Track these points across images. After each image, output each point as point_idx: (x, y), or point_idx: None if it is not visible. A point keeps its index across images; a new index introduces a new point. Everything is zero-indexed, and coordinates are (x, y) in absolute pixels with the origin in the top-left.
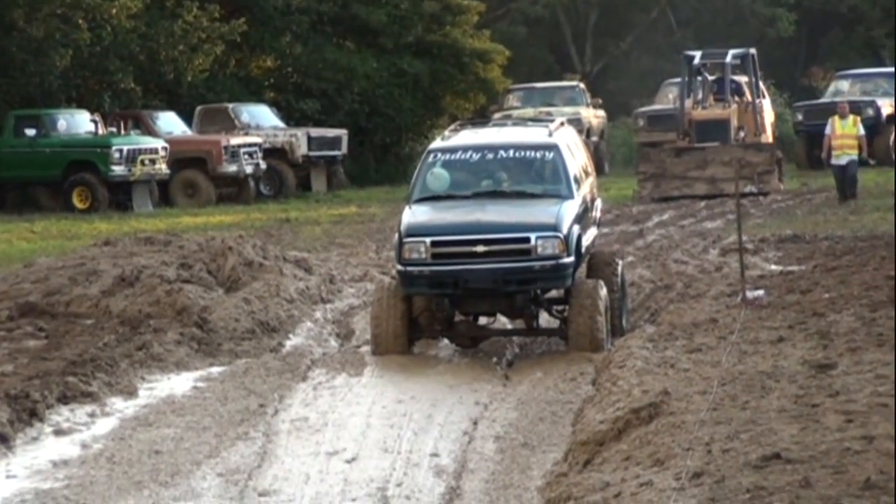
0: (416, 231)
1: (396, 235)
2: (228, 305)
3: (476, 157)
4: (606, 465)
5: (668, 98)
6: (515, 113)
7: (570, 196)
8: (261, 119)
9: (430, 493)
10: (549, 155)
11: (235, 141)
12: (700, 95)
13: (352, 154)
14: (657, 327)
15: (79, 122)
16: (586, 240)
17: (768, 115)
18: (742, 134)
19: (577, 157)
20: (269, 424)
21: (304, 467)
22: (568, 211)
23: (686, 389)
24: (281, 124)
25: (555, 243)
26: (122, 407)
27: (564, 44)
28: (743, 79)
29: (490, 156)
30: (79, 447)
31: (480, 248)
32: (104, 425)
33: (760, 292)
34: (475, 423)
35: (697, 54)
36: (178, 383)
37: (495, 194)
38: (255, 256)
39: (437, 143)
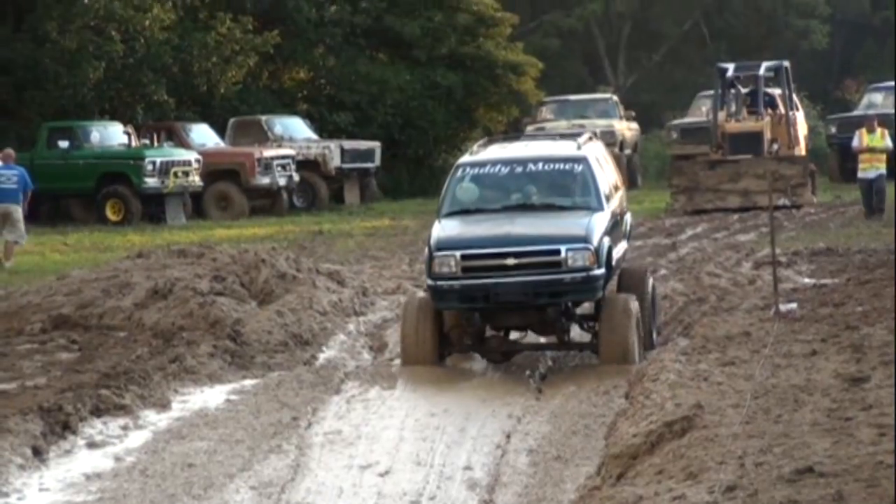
0: (446, 245)
1: (427, 250)
2: (261, 318)
3: (505, 170)
4: (640, 479)
5: (701, 111)
6: (549, 125)
7: (600, 208)
8: (294, 131)
9: None
10: (578, 167)
11: (268, 153)
12: (733, 108)
13: (385, 166)
14: (690, 340)
15: (112, 135)
16: (616, 253)
17: (801, 128)
18: (775, 146)
19: (606, 171)
20: (302, 437)
21: (338, 480)
22: (598, 223)
23: (719, 403)
24: (314, 136)
25: (585, 255)
26: (155, 420)
27: (598, 56)
28: (776, 91)
29: (519, 169)
30: (112, 460)
31: (511, 261)
32: (137, 438)
33: (793, 305)
34: (508, 437)
35: (731, 67)
36: (212, 396)
37: (525, 207)
38: (289, 269)
39: (465, 158)
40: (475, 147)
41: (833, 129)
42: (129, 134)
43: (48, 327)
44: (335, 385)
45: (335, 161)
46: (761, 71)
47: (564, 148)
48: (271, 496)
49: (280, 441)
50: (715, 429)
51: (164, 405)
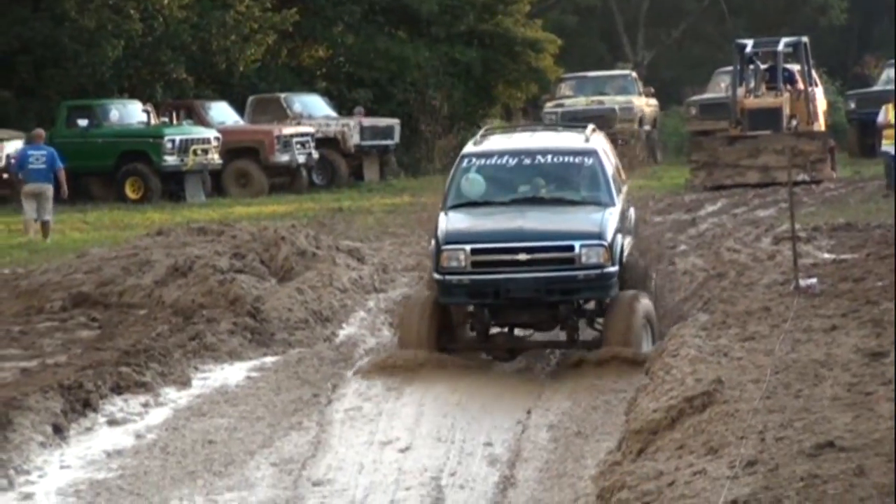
0: (456, 238)
1: (433, 242)
2: (281, 295)
3: (512, 162)
4: (660, 454)
5: (720, 86)
6: (567, 102)
7: (612, 203)
8: (313, 109)
9: (483, 482)
10: (589, 161)
11: (288, 131)
12: (752, 84)
13: (404, 143)
14: (710, 316)
15: (131, 113)
16: (625, 249)
17: (821, 104)
18: (794, 122)
19: (612, 164)
20: (322, 414)
21: (358, 457)
22: (611, 218)
23: (739, 378)
24: (333, 114)
25: (599, 252)
26: (175, 397)
27: (616, 32)
28: (795, 67)
29: (527, 161)
30: (132, 437)
31: (522, 257)
32: (158, 415)
33: (813, 281)
34: (529, 413)
35: (749, 43)
36: (232, 373)
37: (534, 201)
38: (308, 246)
39: (470, 148)
40: (477, 136)
41: (852, 105)
42: (148, 112)
43: (68, 305)
44: (355, 362)
45: (354, 138)
46: (780, 47)
47: (572, 140)
48: (292, 473)
49: (300, 418)
50: (735, 404)
51: (184, 382)
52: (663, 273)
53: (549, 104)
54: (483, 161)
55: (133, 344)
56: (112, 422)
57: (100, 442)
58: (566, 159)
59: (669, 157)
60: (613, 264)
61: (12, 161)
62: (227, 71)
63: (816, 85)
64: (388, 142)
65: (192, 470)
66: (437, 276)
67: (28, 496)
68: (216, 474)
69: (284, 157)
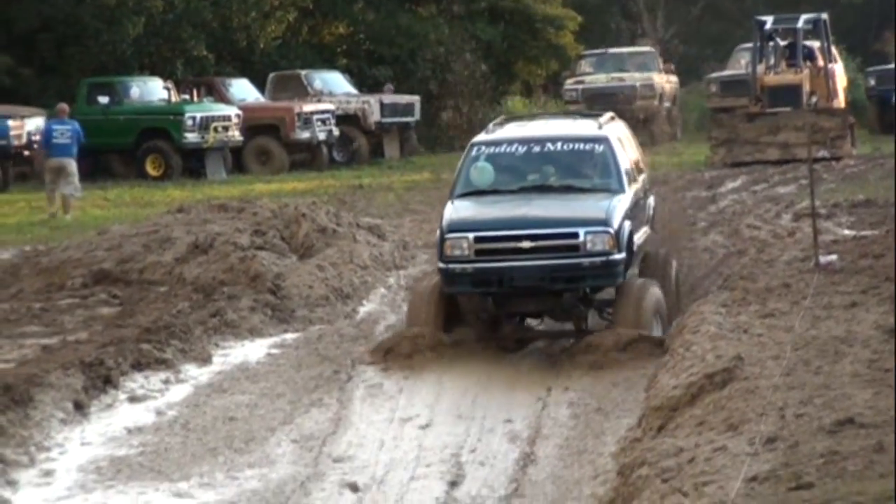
0: (459, 227)
1: (438, 231)
2: (302, 272)
3: (522, 150)
4: (680, 431)
5: (740, 63)
6: (588, 79)
7: (621, 190)
8: (333, 86)
9: (504, 458)
10: (599, 148)
11: (308, 108)
12: (772, 61)
13: (424, 120)
14: (730, 293)
15: (152, 90)
16: (638, 238)
17: (840, 81)
18: (814, 99)
19: (628, 152)
20: (343, 391)
21: (379, 433)
22: (619, 205)
23: (759, 354)
24: (354, 91)
25: (605, 239)
26: (196, 374)
27: (637, 9)
28: (815, 44)
29: (536, 149)
30: (153, 414)
31: (526, 244)
32: (178, 392)
33: (833, 257)
34: (549, 390)
35: (769, 19)
36: (253, 350)
37: (542, 189)
38: (329, 223)
39: (480, 136)
40: (491, 125)
41: (872, 82)
42: (168, 89)
43: (89, 282)
44: (376, 339)
45: (375, 115)
46: (800, 23)
47: (585, 127)
48: (312, 449)
49: (321, 394)
50: (755, 380)
51: (205, 359)
52: (684, 249)
53: (569, 81)
54: (492, 149)
55: (154, 321)
56: (133, 398)
57: (120, 419)
58: (576, 146)
59: (690, 134)
60: (620, 251)
61: (34, 138)
62: (247, 48)
63: (836, 61)
64: (409, 119)
65: (213, 446)
66: (440, 264)
67: (49, 473)
68: (237, 451)
69: (305, 134)
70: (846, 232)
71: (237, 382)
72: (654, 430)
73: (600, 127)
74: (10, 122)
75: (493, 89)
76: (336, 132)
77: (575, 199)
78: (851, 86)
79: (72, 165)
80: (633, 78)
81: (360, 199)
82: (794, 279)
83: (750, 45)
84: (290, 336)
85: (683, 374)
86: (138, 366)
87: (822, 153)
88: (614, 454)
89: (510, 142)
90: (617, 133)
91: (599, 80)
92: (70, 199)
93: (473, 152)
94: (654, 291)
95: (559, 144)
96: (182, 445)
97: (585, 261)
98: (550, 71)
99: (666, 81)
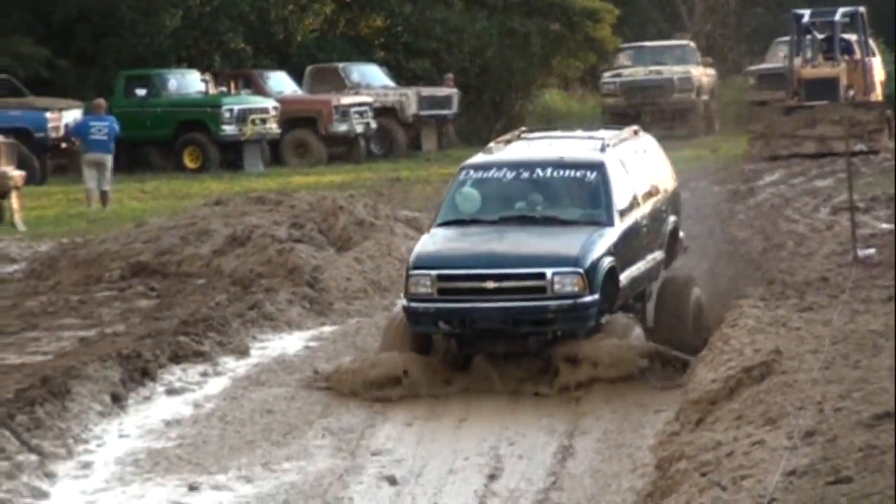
0: (423, 263)
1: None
2: (340, 265)
3: (510, 176)
4: (718, 425)
5: (778, 56)
6: (626, 72)
7: (610, 223)
8: (371, 78)
9: (542, 451)
10: (591, 175)
11: (346, 100)
12: (809, 54)
13: (462, 113)
14: (768, 286)
15: (189, 82)
16: (632, 271)
17: (878, 74)
18: (851, 92)
19: (635, 175)
20: None
21: (417, 427)
22: (600, 241)
23: (798, 348)
24: (391, 83)
25: (574, 280)
26: (233, 366)
27: (674, 2)
28: (852, 37)
29: (525, 175)
30: (191, 407)
31: (490, 284)
32: (216, 385)
33: (872, 251)
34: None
35: (806, 13)
36: (290, 342)
37: (523, 220)
38: (366, 216)
39: (472, 159)
40: (492, 144)
41: None
42: (206, 82)
43: (127, 274)
44: None
45: (412, 108)
46: (837, 17)
47: (583, 150)
48: (350, 442)
49: None
50: (793, 374)
51: (242, 352)
52: (721, 242)
53: (607, 74)
54: (480, 174)
55: (191, 313)
56: (170, 391)
57: (158, 411)
58: (566, 173)
59: (727, 127)
60: (592, 293)
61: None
62: (285, 41)
63: (874, 55)
64: (446, 111)
65: (251, 439)
66: (404, 302)
67: (87, 465)
68: (275, 444)
69: (342, 127)
70: (884, 226)
71: (275, 375)
72: (693, 423)
73: (603, 150)
74: (48, 115)
75: (531, 82)
76: (374, 125)
77: (552, 233)
78: (888, 79)
79: (109, 161)
80: (671, 71)
81: (398, 191)
82: (832, 273)
83: (788, 38)
84: (327, 329)
85: (722, 367)
86: (176, 358)
87: (860, 147)
88: (652, 448)
89: (500, 166)
90: (621, 156)
91: (637, 73)
92: (108, 195)
93: (461, 176)
94: (637, 333)
95: (549, 170)
96: (220, 438)
97: (552, 303)
98: (588, 64)
99: (704, 74)
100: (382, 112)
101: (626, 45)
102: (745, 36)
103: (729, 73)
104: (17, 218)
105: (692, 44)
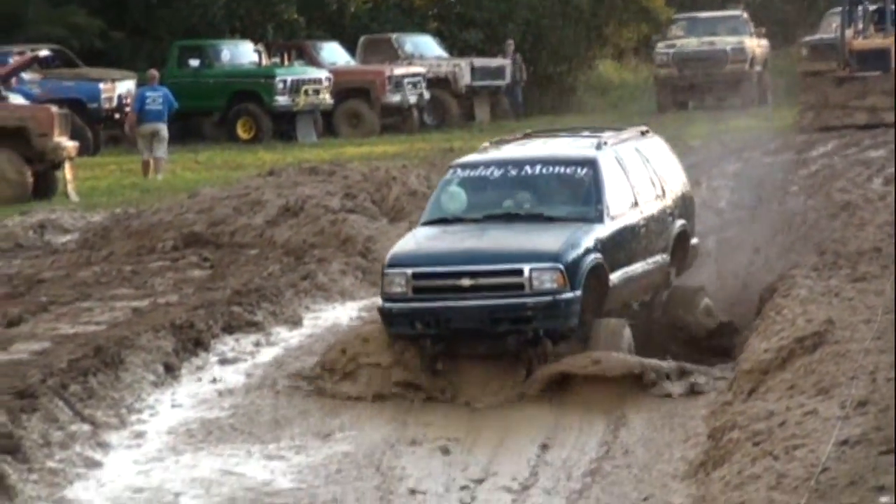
0: (398, 261)
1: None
2: (392, 235)
3: (497, 174)
4: (771, 394)
5: (831, 27)
6: (679, 42)
7: (599, 220)
8: (424, 49)
9: (595, 422)
10: (581, 171)
11: (399, 71)
12: (861, 25)
13: (527, 81)
14: (821, 256)
15: (242, 53)
16: (626, 272)
17: None
18: None
19: (633, 175)
20: None
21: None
22: (585, 237)
23: (850, 318)
24: (444, 54)
25: (553, 276)
26: (286, 336)
27: None
28: None
29: (513, 173)
30: (244, 376)
31: (466, 282)
32: (269, 354)
33: None
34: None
35: None
36: (343, 312)
37: (508, 218)
38: (419, 186)
39: (462, 158)
40: (485, 144)
41: None
42: (259, 52)
43: (180, 245)
44: None
45: (465, 79)
46: None
47: (577, 148)
48: (403, 413)
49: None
50: (846, 344)
51: (295, 322)
52: (773, 212)
53: (660, 45)
54: (467, 173)
55: (244, 283)
56: (223, 361)
57: (211, 381)
58: (556, 170)
59: (780, 98)
60: (573, 289)
61: (125, 101)
62: (338, 11)
63: None
64: (499, 82)
65: (304, 409)
66: (379, 302)
67: (140, 434)
68: (328, 413)
69: (396, 98)
70: None
71: (328, 345)
72: (745, 393)
73: (599, 147)
74: (102, 86)
75: (584, 53)
76: (427, 95)
77: (536, 229)
78: None
79: (164, 130)
80: (725, 42)
81: (451, 162)
82: (885, 243)
83: (840, 9)
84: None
85: (774, 337)
86: (229, 328)
87: None
88: (705, 417)
89: (487, 164)
90: (619, 155)
91: (691, 43)
92: (161, 162)
93: (449, 175)
94: (626, 333)
95: (538, 167)
96: (272, 408)
97: (530, 301)
98: (641, 35)
99: (757, 45)
100: (435, 83)
101: (680, 15)
102: (799, 7)
103: (782, 44)
104: (71, 188)
105: (745, 14)
